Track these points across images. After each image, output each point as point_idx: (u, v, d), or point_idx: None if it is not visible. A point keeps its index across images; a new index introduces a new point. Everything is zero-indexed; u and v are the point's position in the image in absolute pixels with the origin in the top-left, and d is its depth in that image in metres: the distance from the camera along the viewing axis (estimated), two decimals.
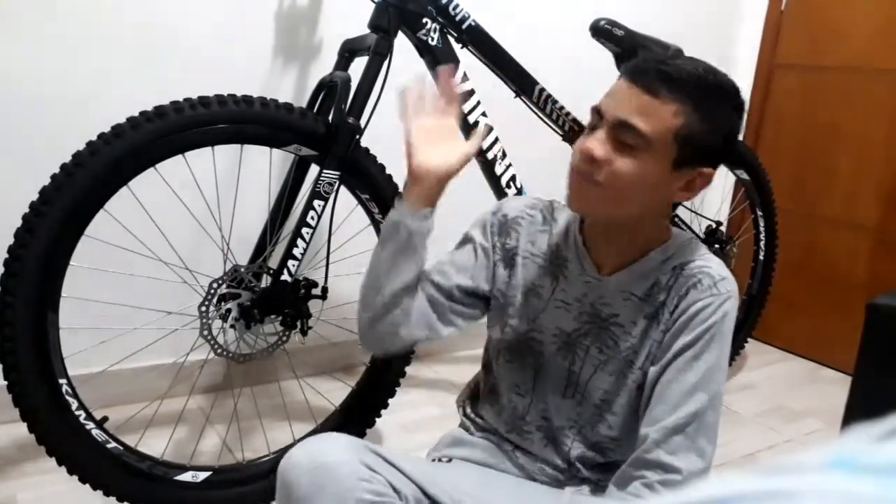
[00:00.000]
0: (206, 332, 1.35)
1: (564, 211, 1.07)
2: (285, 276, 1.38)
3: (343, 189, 1.46)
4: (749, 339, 2.47)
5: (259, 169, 1.57)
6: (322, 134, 1.40)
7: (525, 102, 1.67)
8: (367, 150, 1.49)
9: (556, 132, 1.72)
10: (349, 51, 1.55)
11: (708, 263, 0.97)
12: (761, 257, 2.41)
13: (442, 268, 1.08)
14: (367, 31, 1.48)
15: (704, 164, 0.93)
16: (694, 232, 2.11)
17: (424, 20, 1.51)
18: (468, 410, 1.16)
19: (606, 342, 1.00)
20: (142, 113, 1.24)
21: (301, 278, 1.41)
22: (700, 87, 0.88)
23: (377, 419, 1.61)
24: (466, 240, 1.11)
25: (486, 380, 1.15)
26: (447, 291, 1.06)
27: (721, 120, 0.91)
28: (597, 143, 0.90)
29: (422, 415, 1.91)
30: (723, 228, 2.24)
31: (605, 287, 1.00)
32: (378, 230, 1.57)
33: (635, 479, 0.90)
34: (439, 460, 1.11)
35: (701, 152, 0.91)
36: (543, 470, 1.06)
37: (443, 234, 1.12)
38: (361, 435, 1.58)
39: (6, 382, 1.19)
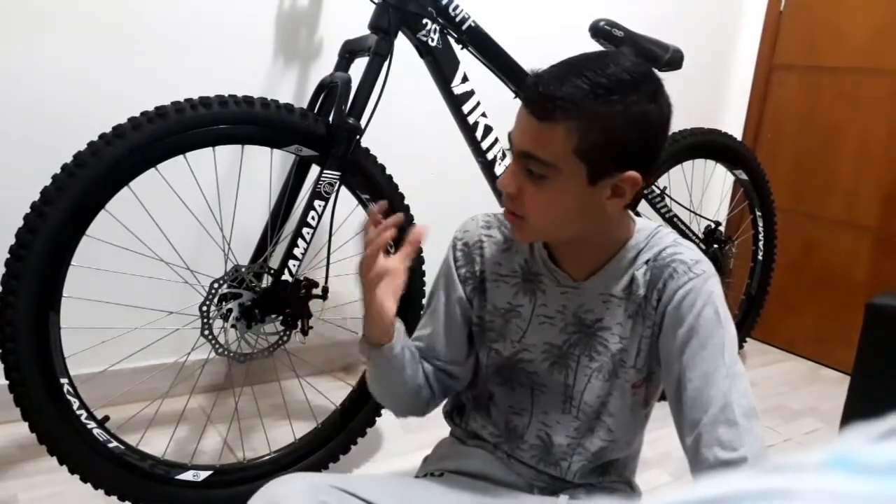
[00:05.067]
0: (207, 332, 1.35)
1: None
2: (286, 276, 1.38)
3: (343, 189, 1.46)
4: (748, 339, 2.48)
5: (260, 169, 1.57)
6: (322, 134, 1.40)
7: None
8: (367, 150, 1.49)
9: None
10: (349, 51, 1.56)
11: (678, 250, 0.95)
12: (760, 257, 2.41)
13: (433, 346, 1.08)
14: (368, 31, 1.49)
15: (626, 169, 0.86)
16: (693, 232, 2.12)
17: (425, 21, 1.51)
18: (457, 421, 1.15)
19: (596, 348, 0.99)
20: (143, 113, 1.24)
21: (302, 278, 1.41)
22: (585, 97, 0.82)
23: (378, 418, 1.61)
24: (437, 296, 1.09)
25: (469, 394, 1.13)
26: (448, 370, 1.09)
27: (624, 119, 0.83)
28: (509, 179, 0.89)
29: None
30: (721, 228, 2.24)
31: (583, 294, 0.98)
32: None
33: None
34: (431, 474, 1.09)
35: (614, 159, 0.85)
36: (539, 477, 1.06)
37: (443, 236, 1.12)
38: (362, 433, 1.58)
39: (7, 382, 1.19)
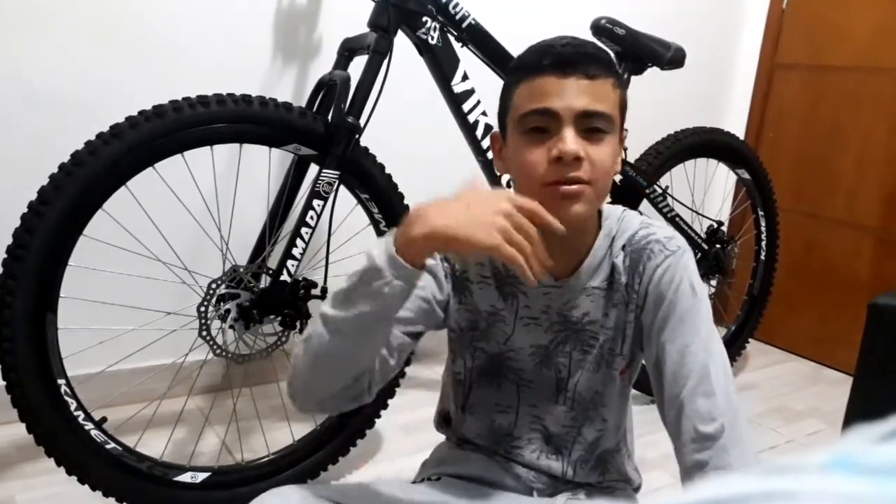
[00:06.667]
0: (205, 333, 1.35)
1: None
2: (284, 277, 1.38)
3: (342, 189, 1.46)
4: (750, 340, 2.47)
5: (258, 168, 1.57)
6: (321, 133, 1.39)
7: None
8: (366, 149, 1.49)
9: None
10: (349, 49, 1.55)
11: (651, 230, 0.97)
12: (762, 257, 2.40)
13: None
14: (367, 29, 1.48)
15: (623, 121, 0.95)
16: (695, 231, 2.11)
17: (424, 19, 1.51)
18: (445, 431, 1.13)
19: (587, 342, 0.99)
20: (140, 112, 1.24)
21: (300, 278, 1.41)
22: (607, 55, 0.92)
23: (377, 420, 1.61)
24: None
25: (454, 407, 1.11)
26: (391, 348, 0.94)
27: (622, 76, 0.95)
28: (574, 143, 0.85)
29: (421, 415, 1.89)
30: (724, 228, 2.24)
31: (566, 291, 0.97)
32: (378, 230, 1.56)
33: (696, 467, 0.86)
34: (429, 479, 1.08)
35: (625, 112, 0.95)
36: (539, 478, 1.05)
37: None
38: (361, 435, 1.58)
39: (5, 382, 1.19)
